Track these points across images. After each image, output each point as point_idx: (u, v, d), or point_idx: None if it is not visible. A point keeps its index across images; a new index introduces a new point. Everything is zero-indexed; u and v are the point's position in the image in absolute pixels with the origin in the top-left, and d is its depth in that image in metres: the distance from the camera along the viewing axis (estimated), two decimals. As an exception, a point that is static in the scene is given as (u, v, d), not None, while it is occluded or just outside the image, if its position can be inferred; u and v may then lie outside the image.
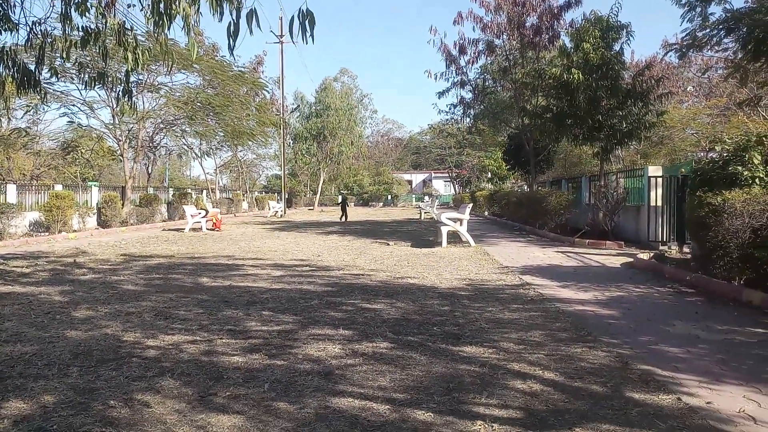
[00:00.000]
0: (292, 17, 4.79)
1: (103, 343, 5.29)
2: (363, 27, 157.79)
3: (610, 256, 12.47)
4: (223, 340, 5.35)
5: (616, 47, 16.33)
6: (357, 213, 44.18)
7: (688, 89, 33.05)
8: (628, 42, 16.58)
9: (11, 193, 20.34)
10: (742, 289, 7.35)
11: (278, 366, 4.57)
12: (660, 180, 14.31)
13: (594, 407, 3.70)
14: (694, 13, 13.40)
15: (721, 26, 12.96)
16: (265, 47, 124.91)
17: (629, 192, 16.03)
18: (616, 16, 16.23)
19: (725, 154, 9.01)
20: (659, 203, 14.18)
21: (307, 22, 4.77)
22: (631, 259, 11.41)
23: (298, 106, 58.12)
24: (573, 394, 3.93)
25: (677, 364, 4.62)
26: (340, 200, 31.61)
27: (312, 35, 4.81)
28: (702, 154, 22.64)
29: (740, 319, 6.25)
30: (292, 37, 4.74)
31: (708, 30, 13.32)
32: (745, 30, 12.26)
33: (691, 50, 14.89)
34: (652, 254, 11.68)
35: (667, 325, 6.02)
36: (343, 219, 29.90)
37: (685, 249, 12.36)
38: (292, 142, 57.32)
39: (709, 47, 14.93)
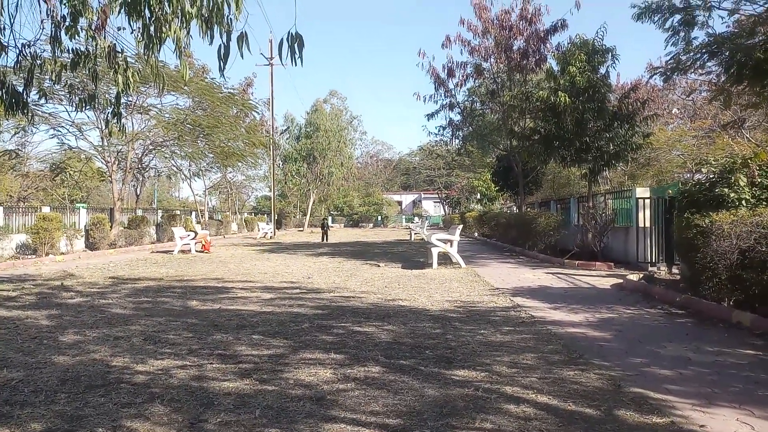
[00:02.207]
0: (281, 40, 4.85)
1: (91, 368, 5.21)
2: (353, 49, 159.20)
3: (600, 278, 12.52)
4: (213, 365, 5.29)
5: (602, 70, 16.59)
6: (347, 234, 44.15)
7: (673, 111, 33.56)
8: (614, 65, 16.90)
9: (-3, 216, 20.16)
10: (732, 311, 7.39)
11: (269, 391, 4.52)
12: (648, 201, 14.44)
13: (588, 431, 3.68)
14: (677, 37, 13.66)
15: (704, 50, 13.22)
16: (254, 69, 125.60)
17: (618, 213, 16.15)
18: (601, 39, 16.52)
19: (712, 176, 9.13)
20: (647, 224, 14.29)
21: (296, 45, 4.84)
22: (621, 281, 11.46)
23: (288, 127, 58.36)
24: (566, 417, 3.91)
25: (669, 386, 4.62)
26: (323, 224, 34.67)
27: (301, 57, 4.87)
28: (688, 175, 22.91)
29: (730, 341, 6.27)
30: (281, 59, 4.80)
31: (692, 54, 13.57)
32: (727, 54, 12.51)
33: (676, 73, 15.13)
34: (641, 275, 11.74)
35: (658, 346, 6.03)
36: (324, 240, 31.95)
37: (674, 270, 12.43)
38: (282, 163, 57.40)
39: (693, 70, 15.21)
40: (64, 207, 25.98)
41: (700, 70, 15.97)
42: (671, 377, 4.91)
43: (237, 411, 4.08)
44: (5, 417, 3.99)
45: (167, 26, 5.28)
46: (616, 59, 16.72)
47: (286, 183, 58.91)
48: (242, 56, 5.10)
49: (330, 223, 38.95)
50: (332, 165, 57.22)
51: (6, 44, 6.16)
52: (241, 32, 5.04)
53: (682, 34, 13.60)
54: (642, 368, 5.20)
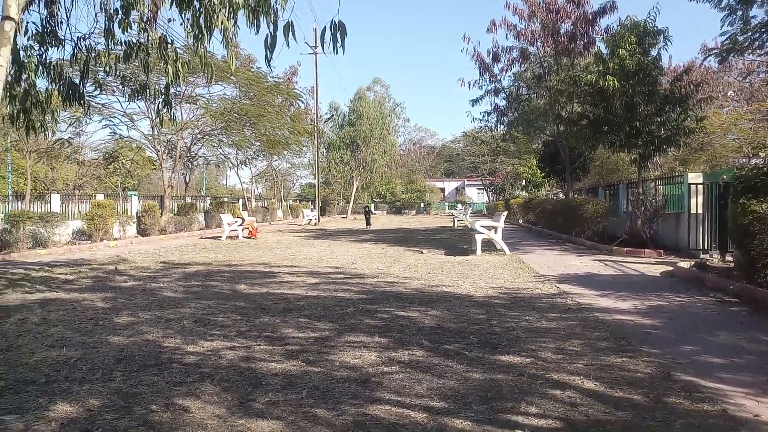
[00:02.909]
0: (324, 28, 4.88)
1: (145, 348, 5.41)
2: (396, 36, 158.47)
3: (649, 265, 12.22)
4: (261, 347, 5.42)
5: (654, 53, 16.05)
6: (390, 221, 44.25)
7: (728, 94, 32.27)
8: (666, 47, 16.28)
9: (55, 203, 21.02)
10: (789, 299, 7.12)
11: (316, 373, 4.60)
12: (700, 187, 14.00)
13: (636, 418, 3.63)
14: (734, 16, 13.14)
15: (763, 29, 12.68)
16: (299, 58, 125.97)
17: (668, 199, 15.70)
18: (653, 21, 15.96)
19: (770, 160, 8.78)
20: (700, 210, 13.87)
21: (338, 33, 4.86)
22: (671, 268, 11.16)
23: (332, 115, 58.63)
24: (614, 404, 3.86)
25: (722, 375, 4.50)
26: (365, 210, 35.54)
27: (343, 45, 4.90)
28: (744, 160, 22.06)
29: (787, 330, 6.05)
30: (323, 48, 4.86)
31: (750, 33, 13.04)
32: (788, 32, 11.98)
33: (732, 54, 14.58)
34: (693, 263, 11.41)
35: (709, 335, 5.87)
36: (368, 227, 32.00)
37: (728, 257, 12.02)
38: (325, 151, 57.79)
39: (750, 51, 14.61)
40: (117, 194, 26.87)
41: (758, 51, 15.31)
42: (724, 366, 4.78)
43: (284, 391, 4.17)
44: (66, 393, 4.18)
45: (215, 17, 5.38)
46: (669, 41, 16.13)
47: (329, 170, 59.28)
48: (288, 45, 5.15)
49: (373, 210, 39.22)
50: (375, 152, 57.26)
51: (63, 38, 6.40)
52: (288, 21, 5.08)
53: (739, 12, 13.06)
54: (693, 356, 5.08)
